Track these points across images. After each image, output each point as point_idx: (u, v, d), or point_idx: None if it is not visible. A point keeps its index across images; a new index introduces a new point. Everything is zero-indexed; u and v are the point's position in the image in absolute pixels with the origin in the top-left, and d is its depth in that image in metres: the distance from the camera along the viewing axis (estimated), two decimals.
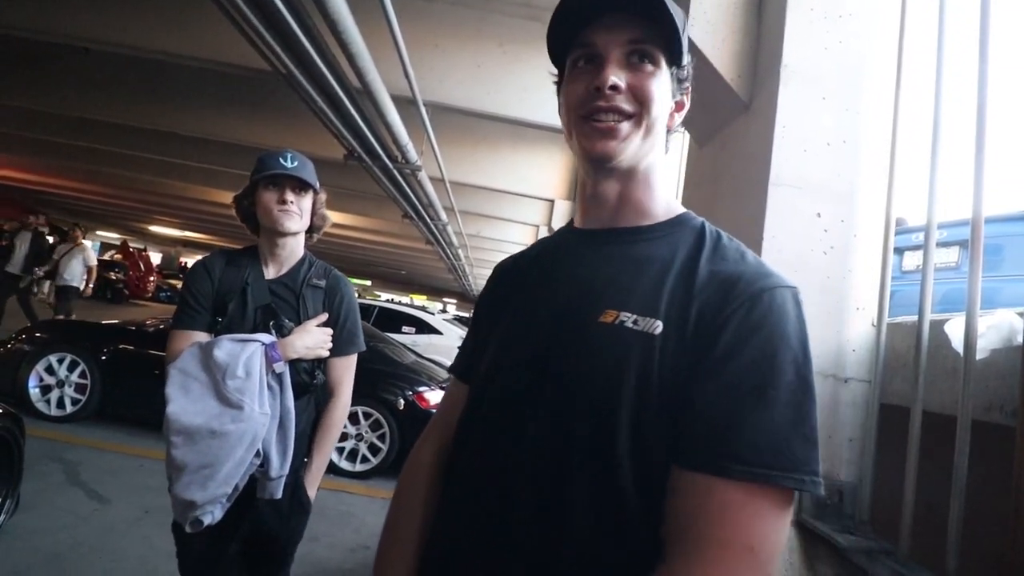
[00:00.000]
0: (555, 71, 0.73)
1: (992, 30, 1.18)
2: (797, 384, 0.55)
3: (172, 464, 1.28)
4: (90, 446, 3.97)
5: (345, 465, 4.34)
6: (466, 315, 13.51)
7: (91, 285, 8.26)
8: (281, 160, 1.42)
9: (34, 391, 4.37)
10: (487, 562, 0.62)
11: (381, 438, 4.40)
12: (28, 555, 2.47)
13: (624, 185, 0.69)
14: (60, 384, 4.40)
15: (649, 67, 0.65)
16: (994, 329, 1.11)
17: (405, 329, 8.36)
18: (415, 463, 0.80)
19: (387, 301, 11.81)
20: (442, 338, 8.38)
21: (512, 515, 0.61)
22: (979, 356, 1.11)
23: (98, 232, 29.98)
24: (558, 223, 7.18)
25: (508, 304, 0.75)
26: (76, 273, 7.66)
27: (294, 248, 1.51)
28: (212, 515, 1.29)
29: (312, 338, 1.43)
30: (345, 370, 1.54)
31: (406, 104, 4.14)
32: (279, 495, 1.37)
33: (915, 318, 1.29)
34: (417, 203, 7.09)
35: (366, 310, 8.61)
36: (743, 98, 1.67)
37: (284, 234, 1.46)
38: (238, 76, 5.41)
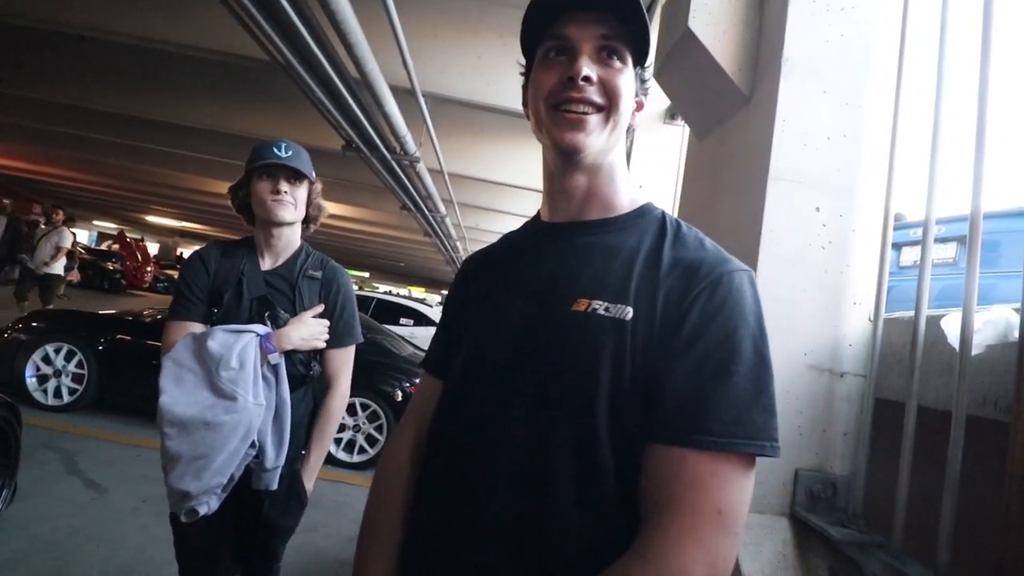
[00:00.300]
0: (523, 61, 0.75)
1: (995, 24, 1.18)
2: (755, 360, 0.60)
3: (166, 455, 1.28)
4: (87, 435, 3.97)
5: (343, 456, 4.37)
6: None
7: (60, 264, 7.84)
8: (275, 150, 1.41)
9: (31, 380, 4.37)
10: (473, 545, 0.64)
11: (378, 429, 4.42)
12: (26, 543, 2.48)
13: (590, 179, 0.71)
14: (57, 374, 4.40)
15: (618, 63, 0.68)
16: (990, 325, 1.11)
17: (403, 321, 8.37)
18: (392, 457, 0.81)
19: (385, 293, 11.80)
20: None
21: (496, 498, 0.64)
22: (975, 352, 1.11)
23: (95, 222, 29.86)
24: None
25: (480, 299, 0.77)
26: (45, 255, 7.45)
27: (290, 239, 1.51)
28: (207, 505, 1.30)
29: (307, 329, 1.43)
30: (343, 362, 1.54)
31: (405, 95, 4.12)
32: (275, 486, 1.37)
33: (912, 313, 1.30)
34: (415, 195, 7.07)
35: (364, 302, 8.60)
36: (744, 91, 1.66)
37: (279, 224, 1.45)
38: (236, 66, 5.38)
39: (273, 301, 1.44)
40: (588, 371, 0.62)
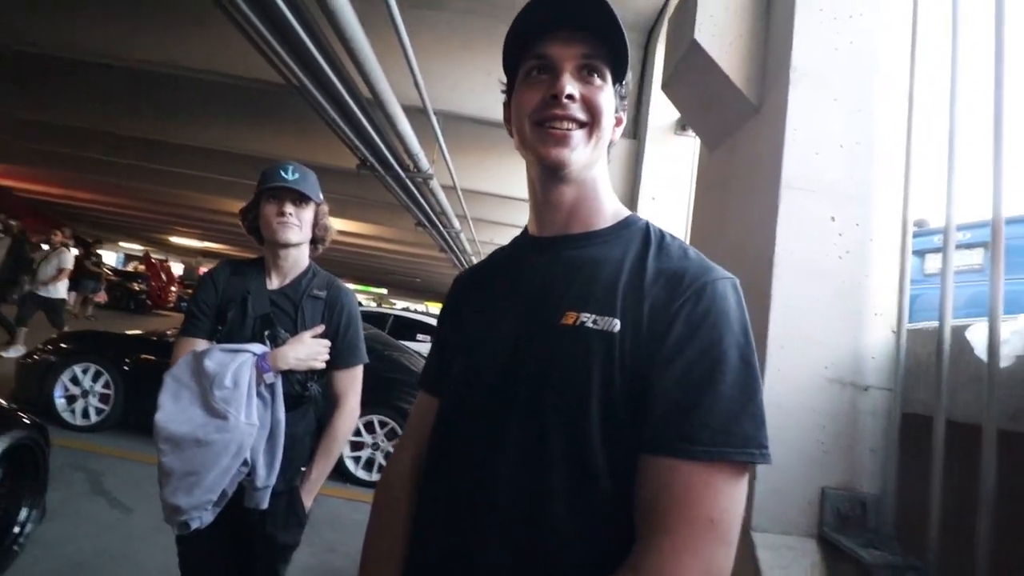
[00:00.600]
0: (505, 80, 0.78)
1: (1008, 26, 1.15)
2: (741, 367, 0.61)
3: (161, 470, 1.33)
4: (113, 455, 4.04)
5: (362, 474, 4.36)
6: None
7: (63, 285, 7.25)
8: (282, 172, 1.44)
9: (59, 401, 4.46)
10: (474, 555, 0.65)
11: None
12: (54, 563, 2.52)
13: (575, 193, 0.73)
14: (84, 394, 4.49)
15: (598, 81, 0.70)
16: (1018, 335, 1.07)
17: (420, 337, 8.39)
18: (393, 475, 0.82)
19: (403, 309, 11.88)
20: None
21: (495, 509, 0.65)
22: (1003, 363, 1.07)
23: (121, 243, 30.69)
24: None
25: (472, 316, 0.79)
26: (46, 277, 6.85)
27: (297, 259, 1.53)
28: (200, 520, 1.32)
29: (305, 349, 1.43)
30: (349, 382, 1.53)
31: (417, 113, 4.17)
32: (264, 505, 1.37)
33: (936, 324, 1.26)
34: (430, 211, 7.12)
35: (382, 319, 8.66)
36: (753, 101, 1.64)
37: (285, 245, 1.47)
38: (253, 89, 5.51)
39: (275, 320, 1.45)
40: (579, 383, 0.63)
